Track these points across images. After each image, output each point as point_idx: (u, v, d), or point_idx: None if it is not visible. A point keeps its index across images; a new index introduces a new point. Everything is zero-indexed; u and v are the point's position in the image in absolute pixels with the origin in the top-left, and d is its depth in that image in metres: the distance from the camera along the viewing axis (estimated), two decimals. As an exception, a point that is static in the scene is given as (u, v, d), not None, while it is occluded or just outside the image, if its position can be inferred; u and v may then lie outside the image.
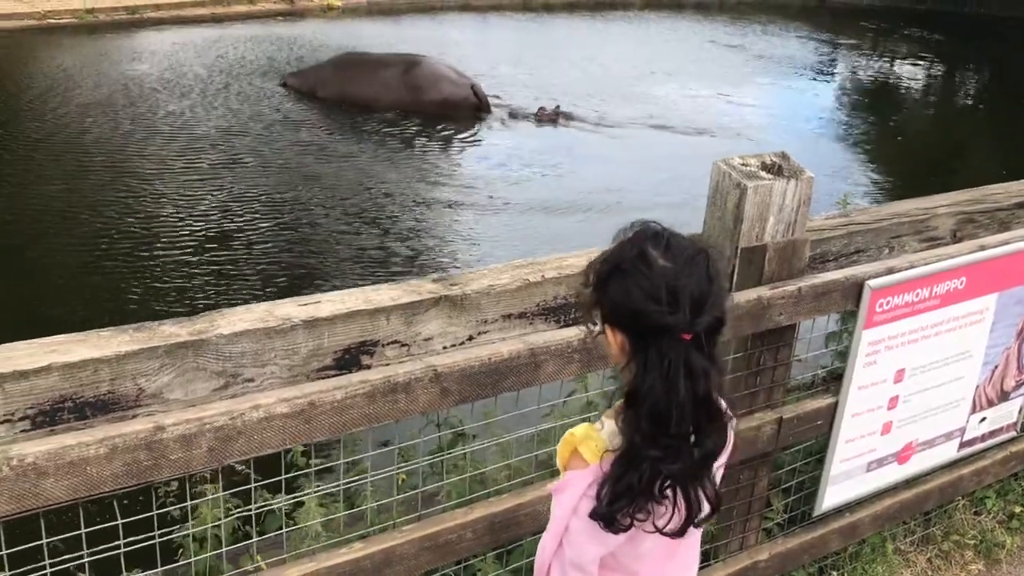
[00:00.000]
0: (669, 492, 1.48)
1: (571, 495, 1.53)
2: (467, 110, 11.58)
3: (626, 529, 1.49)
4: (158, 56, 13.10)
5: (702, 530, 1.72)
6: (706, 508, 1.54)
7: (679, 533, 1.52)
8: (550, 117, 11.41)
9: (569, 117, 11.52)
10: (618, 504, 1.46)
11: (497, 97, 12.08)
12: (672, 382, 1.41)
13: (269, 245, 7.53)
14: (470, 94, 11.67)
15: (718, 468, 1.62)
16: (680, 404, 1.42)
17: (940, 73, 16.59)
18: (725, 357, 2.56)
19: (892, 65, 16.66)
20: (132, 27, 15.06)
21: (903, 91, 15.18)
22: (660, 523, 1.50)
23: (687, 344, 1.41)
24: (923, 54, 17.39)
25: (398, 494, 2.32)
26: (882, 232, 2.79)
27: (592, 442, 1.54)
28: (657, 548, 1.59)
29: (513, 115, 11.58)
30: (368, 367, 1.96)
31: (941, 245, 2.91)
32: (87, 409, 1.69)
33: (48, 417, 1.66)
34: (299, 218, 8.14)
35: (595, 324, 1.56)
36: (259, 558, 2.01)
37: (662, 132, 11.27)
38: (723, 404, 1.52)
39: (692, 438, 1.47)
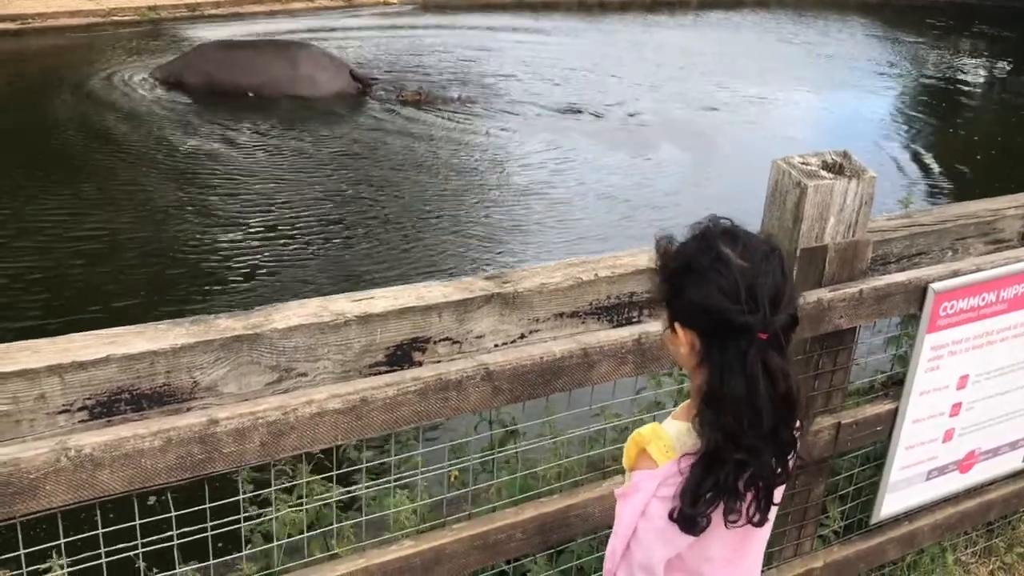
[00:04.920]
0: (752, 488, 1.47)
1: (641, 497, 1.51)
2: (349, 96, 11.55)
3: (703, 530, 1.47)
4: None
5: (768, 534, 1.69)
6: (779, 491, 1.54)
7: (762, 521, 1.51)
8: (413, 98, 11.41)
9: (431, 99, 11.46)
10: (701, 506, 1.44)
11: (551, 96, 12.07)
12: (753, 382, 1.39)
13: (320, 242, 7.59)
14: (350, 80, 11.65)
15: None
16: (761, 404, 1.40)
17: (1009, 70, 16.15)
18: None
19: (958, 62, 16.25)
20: (193, 23, 15.34)
21: (970, 89, 14.80)
22: (749, 515, 1.49)
23: (764, 343, 1.39)
24: (991, 51, 16.94)
25: (449, 492, 2.32)
26: (946, 234, 2.72)
27: (660, 442, 1.52)
28: (724, 550, 1.57)
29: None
30: (420, 364, 1.95)
31: (1008, 248, 2.82)
32: (143, 401, 1.71)
33: (105, 408, 1.68)
34: (351, 215, 8.20)
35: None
36: (335, 544, 2.03)
37: (724, 132, 11.13)
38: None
39: (772, 436, 1.45)
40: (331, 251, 7.44)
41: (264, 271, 6.97)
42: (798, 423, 1.51)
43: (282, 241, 7.51)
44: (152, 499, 1.75)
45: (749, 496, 1.47)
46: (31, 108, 10.78)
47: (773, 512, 1.59)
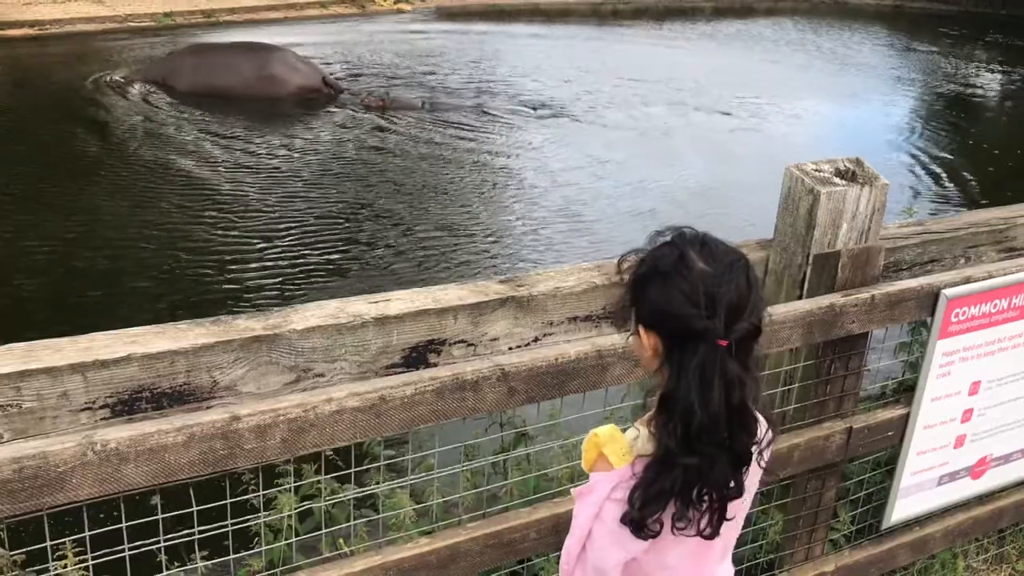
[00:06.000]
0: (706, 498, 1.46)
1: (595, 499, 1.51)
2: (320, 100, 11.72)
3: (655, 535, 1.46)
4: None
5: (732, 545, 1.69)
6: (738, 513, 1.53)
7: (713, 535, 1.50)
8: (376, 104, 11.49)
9: (395, 105, 11.49)
10: (649, 509, 1.44)
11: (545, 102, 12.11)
12: (707, 388, 1.39)
13: (338, 247, 7.62)
14: (321, 84, 11.84)
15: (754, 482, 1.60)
16: (714, 411, 1.39)
17: (1021, 81, 16.10)
18: (795, 365, 2.54)
19: (971, 73, 16.21)
20: (208, 30, 15.43)
21: (984, 99, 14.76)
22: (700, 527, 1.48)
23: (723, 351, 1.39)
24: (1005, 60, 16.90)
25: (463, 492, 2.34)
26: (958, 241, 2.73)
27: (617, 444, 1.51)
28: (682, 558, 1.56)
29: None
30: (435, 365, 1.98)
31: (1021, 256, 2.83)
32: (164, 399, 1.74)
33: (127, 406, 1.72)
34: (368, 221, 8.23)
35: (629, 327, 1.54)
36: (343, 543, 2.05)
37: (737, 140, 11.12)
38: (759, 416, 1.49)
39: (727, 445, 1.44)
40: (348, 263, 7.45)
41: (282, 282, 6.98)
42: (760, 436, 1.50)
43: (298, 252, 7.52)
44: (154, 498, 1.77)
45: (704, 507, 1.46)
46: (35, 112, 10.86)
47: (736, 529, 1.58)
